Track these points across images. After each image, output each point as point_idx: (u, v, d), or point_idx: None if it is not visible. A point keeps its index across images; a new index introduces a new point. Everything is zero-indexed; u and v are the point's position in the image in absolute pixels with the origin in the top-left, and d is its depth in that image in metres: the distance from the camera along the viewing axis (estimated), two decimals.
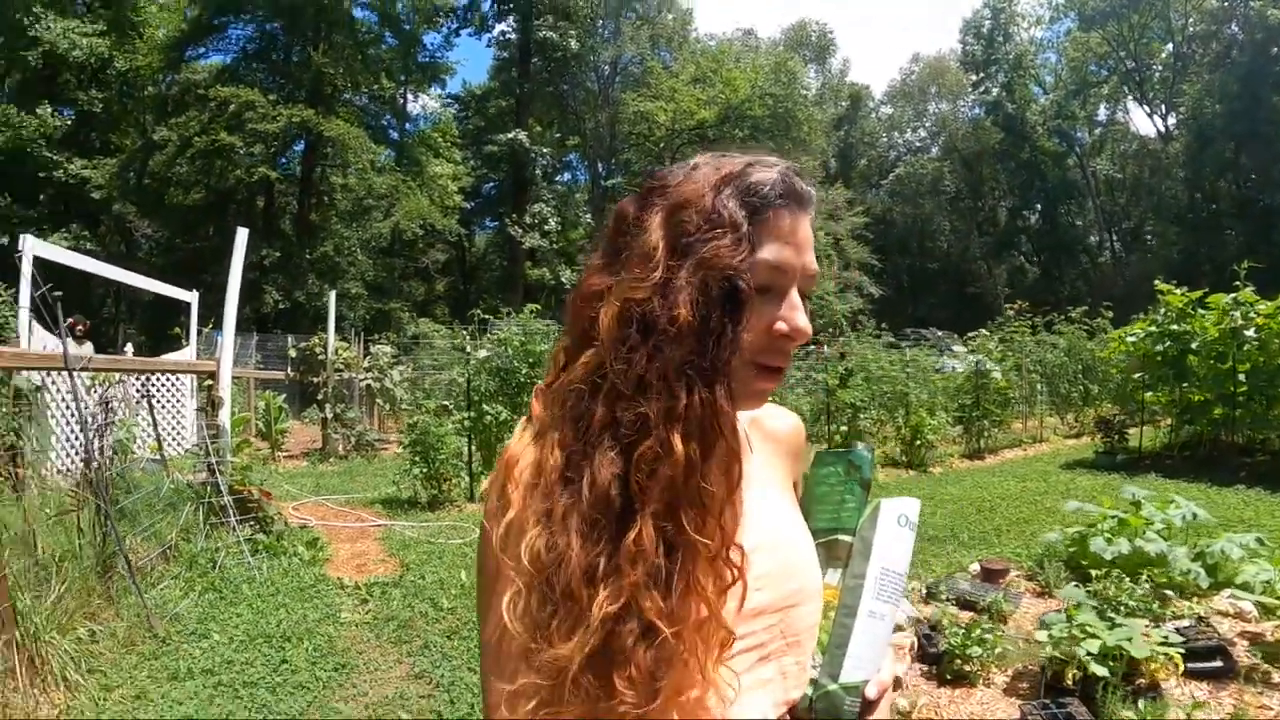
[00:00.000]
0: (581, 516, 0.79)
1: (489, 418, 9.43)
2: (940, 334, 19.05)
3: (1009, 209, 47.09)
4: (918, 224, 48.73)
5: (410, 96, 38.62)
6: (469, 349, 10.37)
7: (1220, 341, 10.80)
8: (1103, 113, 45.86)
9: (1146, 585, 4.67)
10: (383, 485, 9.66)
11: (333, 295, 14.35)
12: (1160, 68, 42.08)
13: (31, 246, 6.81)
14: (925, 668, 4.07)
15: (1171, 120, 42.23)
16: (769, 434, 1.07)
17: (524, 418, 0.92)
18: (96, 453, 5.01)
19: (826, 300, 35.12)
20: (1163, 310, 11.71)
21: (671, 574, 0.78)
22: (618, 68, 42.99)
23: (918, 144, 52.76)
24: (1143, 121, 55.68)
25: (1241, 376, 10.59)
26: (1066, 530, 5.59)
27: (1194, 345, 11.21)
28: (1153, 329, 11.80)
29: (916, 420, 11.96)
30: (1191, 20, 38.65)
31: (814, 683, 0.90)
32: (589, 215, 40.09)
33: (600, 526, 0.78)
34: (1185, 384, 11.53)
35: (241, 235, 7.55)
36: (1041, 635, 3.89)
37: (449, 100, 41.93)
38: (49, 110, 29.07)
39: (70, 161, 28.89)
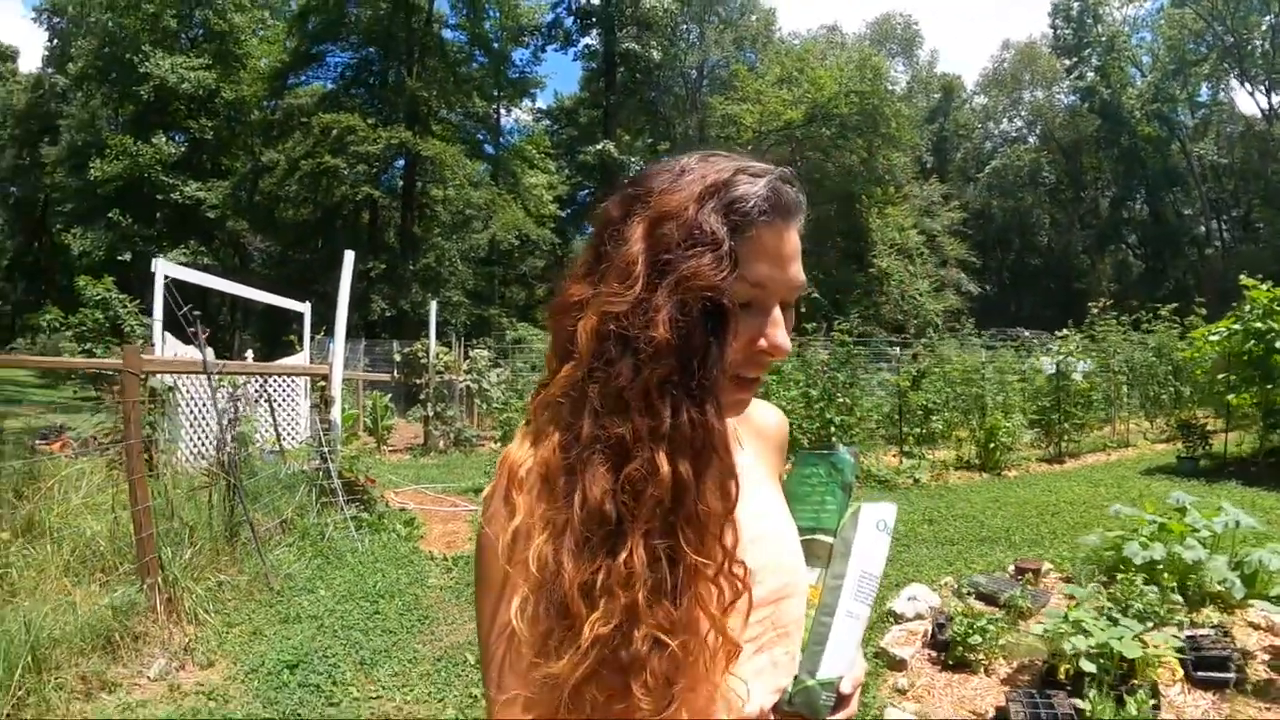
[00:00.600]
0: (573, 533, 0.79)
1: None
2: (1026, 334, 18.61)
3: (1111, 199, 45.11)
4: (1017, 218, 46.73)
5: (504, 111, 39.83)
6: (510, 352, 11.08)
7: None
8: (1205, 93, 42.92)
9: (1167, 590, 4.57)
10: (477, 476, 10.43)
11: (434, 304, 15.44)
12: (1260, 42, 39.26)
13: (162, 267, 7.82)
14: (933, 654, 4.28)
15: (1276, 99, 39.98)
16: (758, 430, 1.08)
17: (524, 422, 0.92)
18: (228, 440, 5.88)
19: (919, 300, 34.91)
20: (1248, 307, 10.89)
21: (675, 588, 0.78)
22: (704, 72, 43.45)
23: (1014, 134, 50.80)
24: (1246, 101, 51.99)
25: None
26: (1107, 534, 5.40)
27: (1278, 344, 10.37)
28: (1236, 327, 11.02)
29: (992, 423, 11.71)
30: None
31: (794, 677, 0.93)
32: None
33: (593, 545, 0.78)
34: (1271, 385, 10.66)
35: (349, 257, 8.69)
36: (1037, 629, 4.00)
37: (539, 114, 43.11)
38: (163, 139, 31.94)
39: (185, 184, 31.59)
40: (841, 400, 10.96)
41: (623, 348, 0.81)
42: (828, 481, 1.03)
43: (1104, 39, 42.18)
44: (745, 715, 0.86)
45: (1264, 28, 38.90)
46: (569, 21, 38.79)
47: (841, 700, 0.92)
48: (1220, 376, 11.52)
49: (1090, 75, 42.24)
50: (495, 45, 36.61)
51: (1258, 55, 39.52)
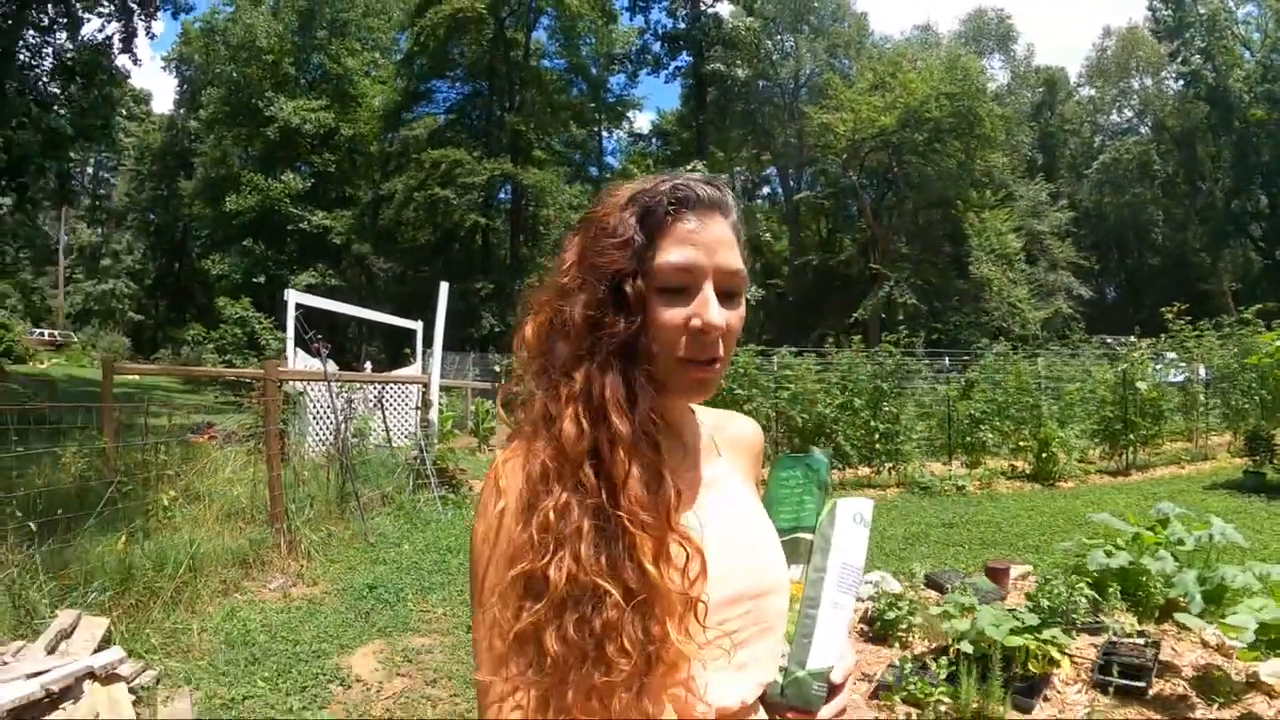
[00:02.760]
0: (520, 499, 0.87)
1: None
2: (1109, 340, 17.11)
3: (1225, 191, 40.90)
4: (1130, 215, 44.04)
5: (606, 133, 41.72)
6: None
7: None
8: None
9: (1111, 597, 4.77)
10: None
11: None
12: None
13: (293, 297, 9.73)
14: (865, 628, 4.74)
15: None
16: (732, 440, 1.13)
17: (506, 422, 0.99)
18: (343, 431, 7.49)
19: (1019, 308, 34.09)
20: None
21: (610, 546, 0.83)
22: (800, 81, 43.58)
23: (1124, 125, 48.13)
24: None
25: None
26: (1083, 542, 5.40)
27: None
28: None
29: (1046, 433, 11.32)
30: None
31: (783, 670, 0.96)
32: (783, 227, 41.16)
33: (533, 507, 0.86)
34: None
35: (444, 288, 10.69)
36: (934, 611, 4.31)
37: (636, 136, 44.85)
38: (290, 174, 35.55)
39: (312, 213, 35.20)
40: (887, 409, 11.10)
41: (558, 333, 0.93)
42: (805, 482, 1.08)
43: (1205, 18, 39.11)
44: (725, 706, 0.90)
45: None
46: (656, 46, 40.29)
47: (833, 689, 0.96)
48: None
49: (1195, 59, 38.84)
50: (593, 72, 38.47)
51: None
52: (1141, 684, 3.82)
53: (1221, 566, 4.64)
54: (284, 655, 4.28)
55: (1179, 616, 4.32)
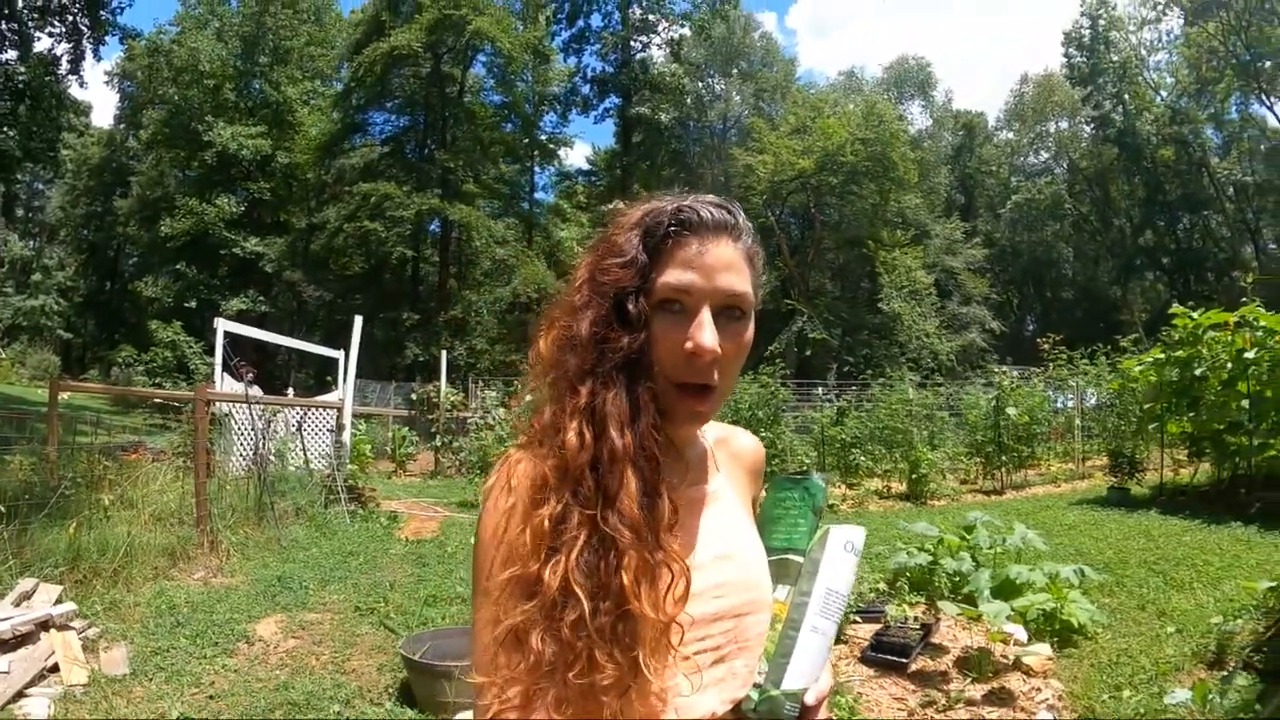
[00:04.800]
0: (523, 504, 0.90)
1: None
2: (1002, 369, 18.44)
3: (1133, 226, 44.81)
4: (1044, 251, 46.91)
5: (538, 169, 42.54)
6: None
7: (1228, 366, 9.88)
8: (1233, 111, 41.89)
9: (901, 589, 5.61)
10: (465, 494, 12.82)
11: (444, 354, 18.35)
12: (1274, 55, 38.16)
13: (222, 325, 10.84)
14: None
15: None
16: (734, 454, 1.17)
17: (521, 430, 1.03)
18: (262, 449, 8.58)
19: (928, 341, 35.62)
20: (1176, 334, 10.75)
21: (602, 557, 0.85)
22: (728, 123, 45.35)
23: (1041, 166, 50.48)
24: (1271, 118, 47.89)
25: (1245, 404, 9.57)
26: (899, 547, 6.00)
27: (1197, 371, 10.26)
28: (1161, 356, 10.96)
29: (917, 455, 12.49)
30: None
31: (758, 687, 0.97)
32: None
33: (531, 513, 0.89)
34: (1194, 414, 10.54)
35: (357, 321, 12.06)
36: None
37: (567, 174, 45.38)
38: (226, 199, 36.02)
39: (246, 240, 35.69)
40: (764, 435, 11.97)
41: (568, 348, 0.97)
42: (801, 505, 1.10)
43: (1118, 65, 42.77)
44: (696, 715, 0.93)
45: (1275, 41, 37.45)
46: (585, 89, 41.70)
47: (807, 711, 0.96)
48: (1148, 406, 11.66)
49: (1106, 103, 42.67)
50: (528, 109, 39.42)
51: (1270, 69, 38.83)
52: (904, 660, 4.45)
53: (1012, 566, 5.34)
54: (202, 622, 5.39)
55: (941, 604, 4.98)
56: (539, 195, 43.15)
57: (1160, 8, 42.34)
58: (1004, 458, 13.56)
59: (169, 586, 6.09)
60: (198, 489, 7.11)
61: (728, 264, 0.98)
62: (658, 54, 41.82)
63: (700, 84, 43.70)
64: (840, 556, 1.02)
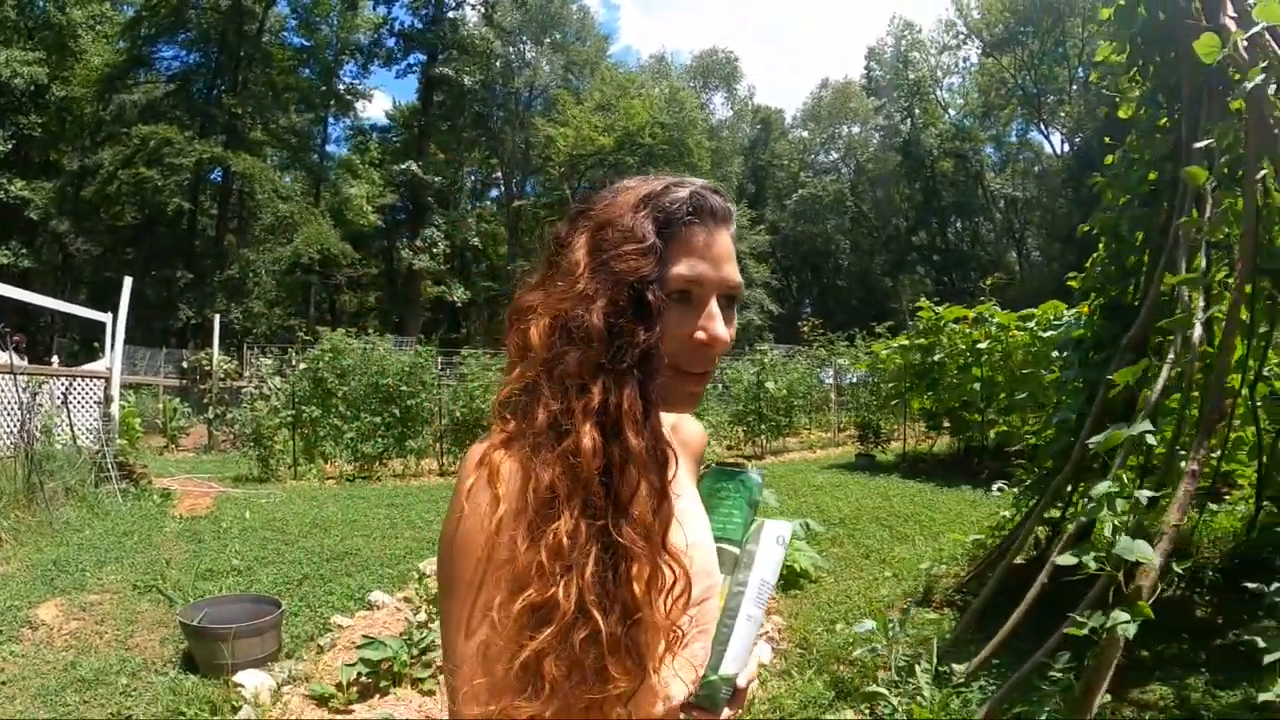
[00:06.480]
0: (526, 514, 0.85)
1: (305, 415, 12.84)
2: (764, 347, 20.26)
3: (909, 226, 50.63)
4: (823, 242, 51.48)
5: (333, 120, 41.24)
6: (294, 361, 13.73)
7: (966, 354, 12.02)
8: (1013, 135, 49.04)
9: None
10: (240, 468, 12.92)
11: (216, 317, 17.94)
12: (1058, 92, 44.92)
13: None
14: None
15: (1056, 140, 46.99)
16: (684, 441, 1.15)
17: (498, 422, 0.95)
18: (29, 425, 8.52)
19: None
20: (921, 324, 12.83)
21: (614, 566, 0.84)
22: (534, 91, 45.78)
23: (829, 165, 55.51)
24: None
25: (977, 386, 11.72)
26: None
27: (937, 357, 12.43)
28: (905, 342, 13.26)
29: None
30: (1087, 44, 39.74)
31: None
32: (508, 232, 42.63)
33: (541, 525, 0.84)
34: (932, 393, 12.75)
35: (127, 282, 11.60)
36: None
37: (357, 129, 44.29)
38: None
39: (11, 183, 31.17)
40: None
41: (568, 339, 0.89)
42: (735, 496, 1.12)
43: (913, 82, 47.76)
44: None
45: (1060, 79, 44.12)
46: (390, 41, 40.57)
47: (738, 693, 1.00)
48: (891, 385, 14.08)
49: (896, 115, 48.38)
50: (329, 56, 38.12)
51: (1052, 102, 45.24)
52: None
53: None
54: None
55: None
56: (330, 148, 42.04)
57: (962, 37, 48.32)
58: (763, 426, 15.46)
59: None
60: None
61: (730, 254, 0.99)
62: (471, 14, 41.57)
63: (510, 49, 43.91)
64: (772, 549, 1.06)
